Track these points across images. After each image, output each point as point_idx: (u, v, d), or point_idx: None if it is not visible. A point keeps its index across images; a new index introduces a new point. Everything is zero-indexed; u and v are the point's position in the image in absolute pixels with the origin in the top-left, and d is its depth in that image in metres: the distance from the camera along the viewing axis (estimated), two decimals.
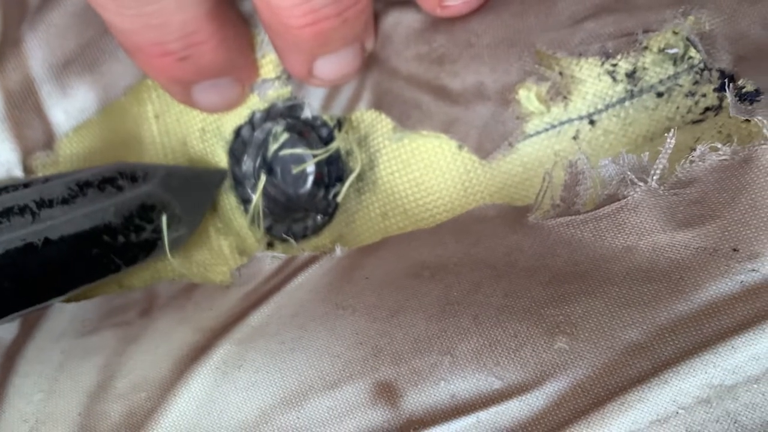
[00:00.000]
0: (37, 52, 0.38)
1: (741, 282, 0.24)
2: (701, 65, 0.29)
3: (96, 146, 0.39)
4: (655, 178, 0.26)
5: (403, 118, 0.33)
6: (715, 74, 0.28)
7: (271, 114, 0.36)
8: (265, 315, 0.30)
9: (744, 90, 0.26)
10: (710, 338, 0.23)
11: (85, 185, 0.34)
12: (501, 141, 0.31)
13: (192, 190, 0.37)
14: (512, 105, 0.31)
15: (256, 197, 0.36)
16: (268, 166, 0.37)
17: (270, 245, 0.37)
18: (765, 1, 0.27)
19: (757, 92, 0.26)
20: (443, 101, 0.32)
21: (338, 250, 0.32)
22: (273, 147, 0.36)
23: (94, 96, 0.38)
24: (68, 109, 0.38)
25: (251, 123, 0.37)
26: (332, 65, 0.33)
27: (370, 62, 0.34)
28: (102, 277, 0.35)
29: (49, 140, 0.39)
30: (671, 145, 0.26)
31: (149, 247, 0.36)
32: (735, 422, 0.23)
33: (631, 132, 0.30)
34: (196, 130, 0.38)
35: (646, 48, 0.29)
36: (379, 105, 0.34)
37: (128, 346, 0.31)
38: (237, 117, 0.37)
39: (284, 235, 0.36)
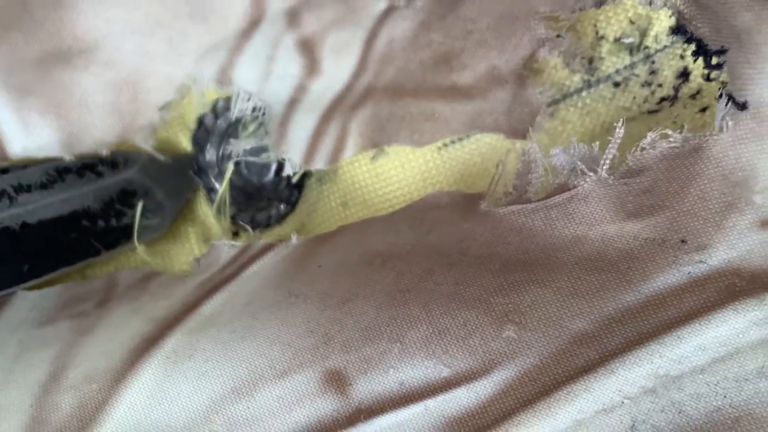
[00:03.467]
0: None
1: (688, 273, 0.24)
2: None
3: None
4: (605, 167, 0.26)
5: (415, 138, 0.32)
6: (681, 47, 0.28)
7: (233, 103, 0.36)
8: (218, 303, 0.30)
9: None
10: (656, 329, 0.23)
11: (64, 171, 0.34)
12: (532, 119, 0.30)
13: (173, 176, 0.37)
14: (530, 80, 0.31)
15: (222, 187, 0.36)
16: (231, 155, 0.36)
17: (235, 234, 0.37)
18: None
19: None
20: (458, 101, 0.32)
21: (294, 239, 0.32)
22: (243, 134, 0.36)
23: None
24: (28, 147, 0.36)
25: (214, 111, 0.36)
26: None
27: (359, 101, 0.33)
28: (82, 260, 0.35)
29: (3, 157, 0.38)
30: (620, 135, 0.26)
31: (130, 232, 0.35)
32: (680, 412, 0.23)
33: (589, 122, 0.30)
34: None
35: (602, 37, 0.29)
36: (376, 140, 0.33)
37: (82, 337, 0.31)
38: (200, 106, 0.37)
39: (244, 224, 0.36)
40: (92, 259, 0.35)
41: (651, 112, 0.29)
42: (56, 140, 0.35)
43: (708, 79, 0.27)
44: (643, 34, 0.29)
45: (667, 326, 0.23)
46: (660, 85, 0.29)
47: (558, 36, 0.30)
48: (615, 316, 0.24)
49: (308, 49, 0.33)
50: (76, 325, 0.32)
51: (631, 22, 0.29)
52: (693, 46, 0.27)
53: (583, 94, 0.30)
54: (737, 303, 0.23)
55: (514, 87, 0.30)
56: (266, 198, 0.36)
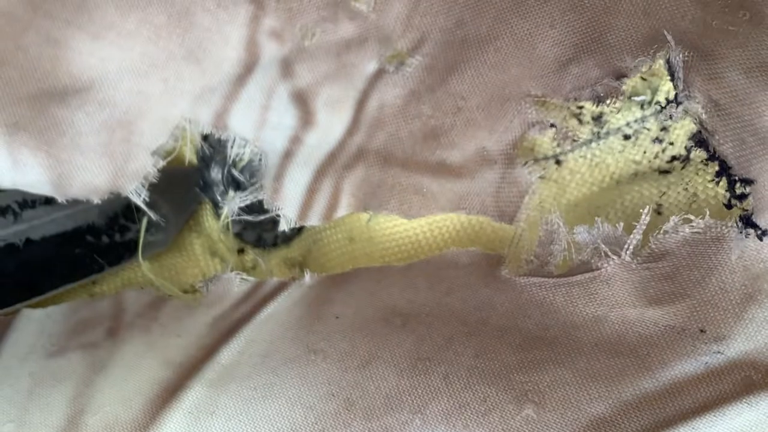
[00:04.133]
0: None
1: (705, 363, 0.24)
2: (671, 105, 0.29)
3: None
4: (628, 252, 0.26)
5: (405, 209, 0.32)
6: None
7: None
8: (236, 352, 0.30)
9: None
10: (672, 418, 0.24)
11: None
12: (520, 200, 0.31)
13: (179, 190, 0.36)
14: (519, 159, 0.30)
15: (224, 212, 0.36)
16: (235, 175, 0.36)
17: (241, 251, 0.37)
18: (748, 46, 0.27)
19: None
20: (446, 179, 0.31)
21: (307, 277, 0.32)
22: (240, 165, 0.35)
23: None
24: (17, 182, 0.34)
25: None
26: None
27: (351, 161, 0.33)
28: (86, 277, 0.35)
29: None
30: (646, 221, 0.26)
31: (134, 247, 0.35)
32: None
33: (597, 173, 0.30)
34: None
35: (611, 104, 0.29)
36: (367, 203, 0.33)
37: (96, 375, 0.31)
38: (194, 149, 0.36)
39: (245, 242, 0.36)
40: (96, 275, 0.35)
41: (662, 171, 0.29)
42: (46, 180, 0.33)
43: (729, 206, 0.27)
44: (655, 91, 0.29)
45: (682, 416, 0.24)
46: (671, 143, 0.29)
47: (552, 126, 0.30)
48: (632, 402, 0.25)
49: (302, 101, 0.33)
50: (88, 357, 0.32)
51: (643, 80, 0.29)
52: (715, 165, 0.27)
53: (593, 145, 0.30)
54: (752, 396, 0.24)
55: (502, 168, 0.31)
56: (273, 218, 0.36)
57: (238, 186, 0.36)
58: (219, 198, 0.37)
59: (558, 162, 0.30)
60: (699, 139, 0.28)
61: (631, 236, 0.26)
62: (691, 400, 0.24)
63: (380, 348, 0.28)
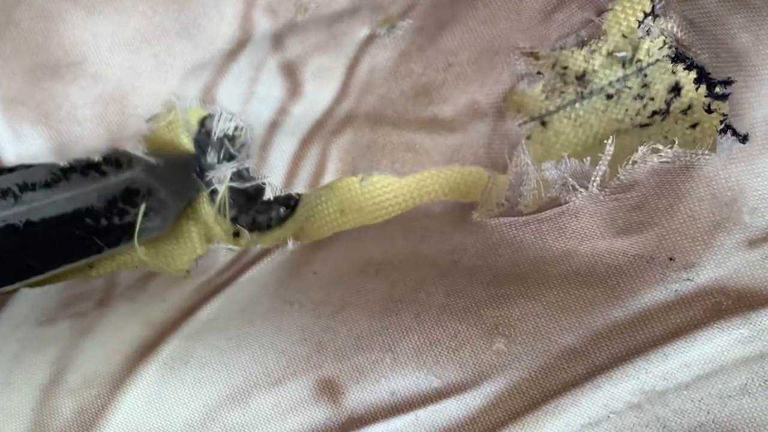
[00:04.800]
0: None
1: (675, 291, 0.24)
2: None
3: None
4: (595, 183, 0.26)
5: (397, 167, 0.32)
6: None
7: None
8: (215, 309, 0.30)
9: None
10: (643, 345, 0.24)
11: (68, 170, 0.35)
12: (511, 151, 0.31)
13: (177, 176, 0.37)
14: (510, 113, 0.31)
15: (221, 191, 0.36)
16: (232, 157, 0.37)
17: (236, 235, 0.37)
18: None
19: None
20: (438, 133, 0.32)
21: (290, 244, 0.32)
22: (237, 141, 0.36)
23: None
24: (21, 154, 0.36)
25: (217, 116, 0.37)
26: None
27: (339, 127, 0.33)
28: (84, 258, 0.35)
29: None
30: (611, 151, 0.26)
31: (132, 230, 0.36)
32: (664, 427, 0.23)
33: (581, 133, 0.30)
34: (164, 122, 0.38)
35: (594, 51, 0.29)
36: (357, 166, 0.33)
37: (81, 338, 0.31)
38: (183, 123, 0.37)
39: (242, 227, 0.36)
40: (95, 256, 0.36)
41: (643, 125, 0.29)
42: (48, 149, 0.35)
43: (709, 110, 0.27)
44: (636, 48, 0.29)
45: (653, 343, 0.24)
46: (652, 99, 0.29)
47: (538, 73, 0.30)
48: (603, 332, 0.24)
49: (291, 73, 0.33)
50: (75, 324, 0.32)
51: (624, 36, 0.29)
52: (694, 73, 0.27)
53: (576, 105, 0.30)
54: (723, 321, 0.23)
55: (493, 120, 0.31)
56: (266, 201, 0.36)
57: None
58: (215, 183, 0.37)
59: (543, 123, 0.30)
60: (676, 54, 0.28)
61: (597, 166, 0.26)
62: (661, 327, 0.24)
63: (353, 295, 0.28)
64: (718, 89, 0.26)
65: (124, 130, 0.35)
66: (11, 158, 0.35)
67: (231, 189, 0.37)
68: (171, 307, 0.31)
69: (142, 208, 0.36)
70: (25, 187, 0.34)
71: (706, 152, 0.25)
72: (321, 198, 0.35)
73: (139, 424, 0.28)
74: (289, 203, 0.36)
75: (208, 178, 0.37)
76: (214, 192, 0.37)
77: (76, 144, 0.35)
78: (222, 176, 0.36)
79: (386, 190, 0.33)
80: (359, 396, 0.26)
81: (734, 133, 0.24)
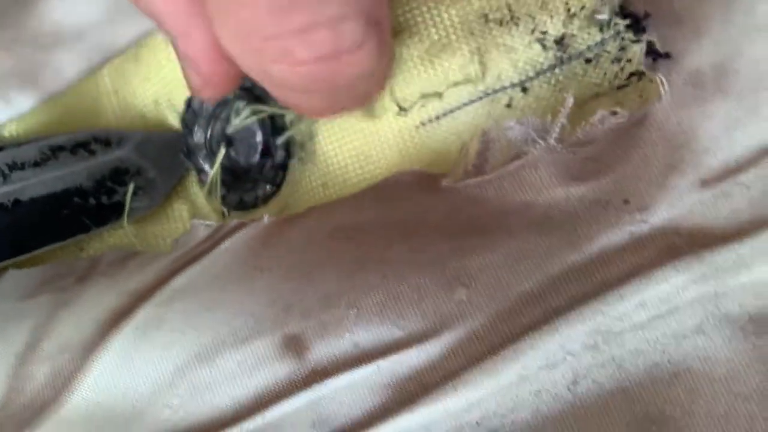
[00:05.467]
0: None
1: (630, 232, 0.24)
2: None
3: (53, 122, 0.39)
4: (554, 136, 0.27)
5: None
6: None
7: None
8: (189, 277, 0.31)
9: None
10: (599, 287, 0.24)
11: (57, 149, 0.35)
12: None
13: (167, 154, 0.38)
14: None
15: (213, 169, 0.37)
16: (221, 137, 0.37)
17: (223, 215, 0.37)
18: None
19: (667, 54, 0.27)
20: None
21: (265, 218, 0.32)
22: (235, 121, 0.37)
23: (37, 103, 0.39)
24: (11, 115, 0.39)
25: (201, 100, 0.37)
26: None
27: None
28: (71, 237, 0.36)
29: None
30: (570, 104, 0.27)
31: (121, 209, 0.37)
32: (619, 367, 0.23)
33: (561, 99, 0.30)
34: (150, 102, 0.38)
35: (574, 15, 0.30)
36: None
37: (59, 310, 0.32)
38: (165, 51, 0.38)
39: (229, 206, 0.37)
40: (82, 234, 0.36)
41: (620, 87, 0.30)
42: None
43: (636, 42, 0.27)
44: (613, 11, 0.30)
45: (609, 284, 0.24)
46: (629, 61, 0.29)
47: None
48: (560, 277, 0.24)
49: None
50: (54, 299, 0.33)
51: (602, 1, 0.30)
52: (628, 21, 0.28)
53: (556, 71, 0.30)
54: (677, 261, 0.23)
55: None
56: (253, 179, 0.37)
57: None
58: (203, 162, 0.38)
59: (524, 90, 0.31)
60: (623, 14, 0.28)
61: (556, 120, 0.27)
62: (617, 269, 0.24)
63: (323, 258, 0.29)
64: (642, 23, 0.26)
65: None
66: (1, 119, 0.36)
67: (221, 169, 0.37)
68: (146, 278, 0.32)
69: (131, 187, 0.36)
70: (14, 167, 0.34)
71: (657, 100, 0.26)
72: (305, 173, 0.35)
73: (110, 385, 0.29)
74: (275, 181, 0.36)
75: (203, 174, 0.37)
76: (202, 172, 0.38)
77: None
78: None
79: (370, 160, 0.33)
80: (323, 350, 0.26)
81: (655, 53, 0.25)
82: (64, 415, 0.29)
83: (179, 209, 0.38)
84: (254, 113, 0.35)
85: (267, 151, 0.36)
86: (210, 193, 0.37)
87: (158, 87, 0.38)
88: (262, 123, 0.36)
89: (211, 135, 0.37)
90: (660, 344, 0.23)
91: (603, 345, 0.23)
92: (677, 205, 0.24)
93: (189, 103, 0.38)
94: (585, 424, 0.23)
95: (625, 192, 0.25)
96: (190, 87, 0.32)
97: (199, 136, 0.37)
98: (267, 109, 0.35)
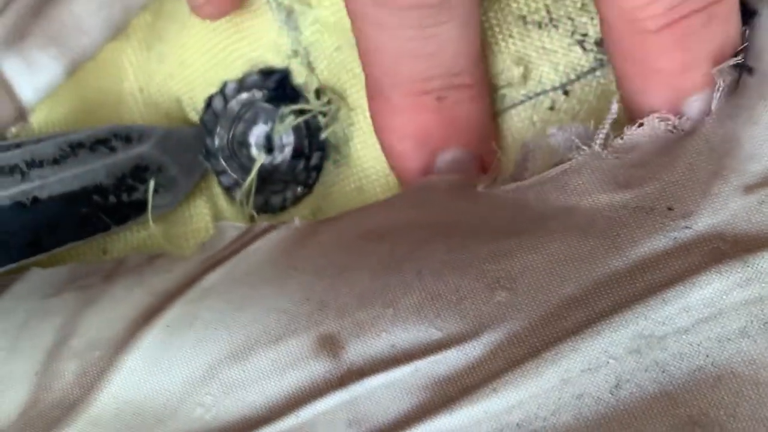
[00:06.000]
0: None
1: (674, 238, 0.24)
2: None
3: (77, 113, 0.39)
4: (598, 142, 0.27)
5: None
6: None
7: (245, 85, 0.37)
8: (219, 276, 0.31)
9: None
10: (643, 292, 0.24)
11: (77, 146, 0.35)
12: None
13: (190, 150, 0.37)
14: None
15: (249, 179, 0.36)
16: (244, 139, 0.37)
17: (251, 218, 0.37)
18: None
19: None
20: None
21: (296, 221, 0.32)
22: (279, 127, 0.36)
23: (63, 70, 0.38)
24: (38, 86, 0.39)
25: (223, 94, 0.37)
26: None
27: None
28: (91, 236, 0.36)
29: (21, 114, 0.39)
30: (615, 111, 0.27)
31: (141, 208, 0.36)
32: (663, 371, 0.23)
33: (604, 102, 0.31)
34: (174, 100, 0.39)
35: None
36: None
37: (86, 307, 0.32)
38: (208, 85, 0.38)
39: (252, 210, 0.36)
40: (101, 234, 0.36)
41: None
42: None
43: None
44: None
45: (652, 289, 0.24)
46: None
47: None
48: (603, 281, 0.24)
49: None
50: (81, 295, 0.33)
51: None
52: None
53: (597, 73, 0.30)
54: (721, 265, 0.23)
55: None
56: (282, 181, 0.37)
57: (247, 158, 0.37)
58: (224, 164, 0.37)
59: (566, 92, 0.31)
60: None
61: (601, 126, 0.27)
62: (661, 273, 0.24)
63: (356, 258, 0.29)
64: None
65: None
66: (29, 95, 0.37)
67: (240, 170, 0.37)
68: (176, 276, 0.32)
69: (151, 185, 0.36)
70: (32, 164, 0.34)
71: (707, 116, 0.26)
72: (340, 176, 0.35)
73: (140, 382, 0.28)
74: (307, 182, 0.36)
75: (221, 176, 0.37)
76: (222, 174, 0.37)
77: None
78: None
79: None
80: (359, 349, 0.26)
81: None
82: (94, 413, 0.28)
83: (201, 212, 0.38)
84: (300, 114, 0.35)
85: (299, 153, 0.36)
86: (242, 203, 0.37)
87: (181, 85, 0.38)
88: (296, 125, 0.36)
89: (233, 136, 0.37)
90: (703, 348, 0.23)
91: (646, 349, 0.23)
92: (721, 211, 0.24)
93: (209, 103, 0.38)
94: (628, 427, 0.23)
95: (669, 199, 0.25)
96: (190, 4, 0.35)
97: (220, 137, 0.37)
98: (311, 108, 0.35)
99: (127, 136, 0.36)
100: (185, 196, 0.38)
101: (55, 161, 0.34)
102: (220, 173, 0.38)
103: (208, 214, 0.38)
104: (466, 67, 0.30)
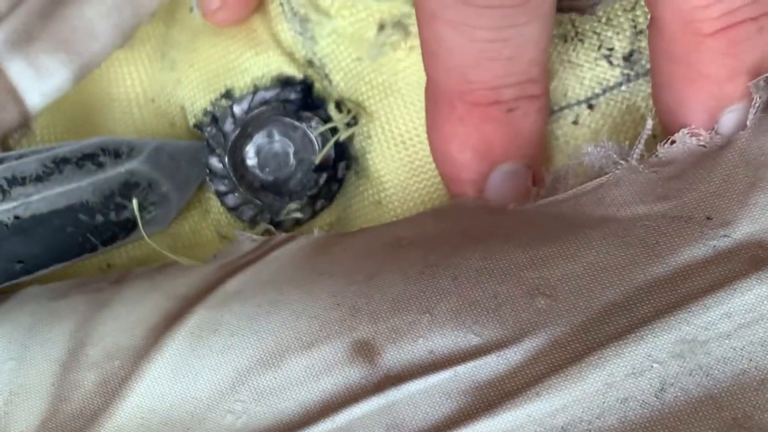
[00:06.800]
0: None
1: (714, 246, 0.25)
2: None
3: (79, 121, 0.39)
4: (635, 157, 0.27)
5: None
6: None
7: (258, 97, 0.36)
8: (241, 282, 0.30)
9: None
10: (684, 298, 0.24)
11: (62, 162, 0.33)
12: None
13: (183, 165, 0.36)
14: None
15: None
16: (248, 156, 0.37)
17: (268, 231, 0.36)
18: None
19: None
20: None
21: (316, 232, 0.32)
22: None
23: (71, 75, 0.37)
24: (45, 91, 0.38)
25: (232, 115, 0.36)
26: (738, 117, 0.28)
27: None
28: (76, 257, 0.34)
29: (26, 120, 0.38)
30: (650, 127, 0.28)
31: (130, 227, 0.34)
32: (707, 375, 0.23)
33: (628, 117, 0.31)
34: (179, 108, 0.38)
35: (641, 32, 0.30)
36: None
37: (98, 311, 0.31)
38: (213, 91, 0.37)
39: (269, 225, 0.36)
40: (88, 255, 0.34)
41: None
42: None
43: None
44: None
45: (694, 295, 0.24)
46: None
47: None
48: (644, 287, 0.25)
49: None
50: (91, 298, 0.32)
51: None
52: None
53: (623, 88, 0.31)
54: (761, 272, 0.24)
55: None
56: (306, 195, 0.36)
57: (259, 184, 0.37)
58: (228, 184, 0.37)
59: (591, 107, 0.31)
60: None
61: (637, 140, 0.27)
62: (701, 280, 0.24)
63: (386, 263, 0.29)
64: None
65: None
66: (36, 101, 0.36)
67: (252, 191, 0.36)
68: (193, 281, 0.31)
69: (136, 203, 0.34)
70: (13, 181, 0.32)
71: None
72: (359, 188, 0.35)
73: (166, 391, 0.28)
74: (329, 195, 0.36)
75: (223, 196, 0.37)
76: (224, 195, 0.37)
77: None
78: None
79: (426, 176, 0.33)
80: (396, 355, 0.26)
81: None
82: (117, 423, 0.28)
83: (201, 227, 0.38)
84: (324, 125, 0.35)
85: (326, 165, 0.36)
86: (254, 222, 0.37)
87: (187, 90, 0.38)
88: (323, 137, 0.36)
89: (242, 158, 0.37)
90: (746, 352, 0.24)
91: (689, 354, 0.24)
92: (759, 220, 0.25)
93: (215, 119, 0.37)
94: (673, 430, 0.23)
95: (707, 209, 0.25)
96: (203, 10, 0.35)
97: (225, 158, 0.37)
98: (338, 126, 0.35)
99: (116, 151, 0.34)
100: (181, 208, 0.36)
101: (39, 178, 0.32)
102: (223, 194, 0.37)
103: (207, 227, 0.38)
104: (538, 75, 0.29)
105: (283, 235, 0.33)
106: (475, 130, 0.29)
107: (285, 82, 0.36)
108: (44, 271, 0.33)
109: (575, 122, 0.31)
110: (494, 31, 0.27)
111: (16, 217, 0.32)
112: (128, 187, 0.34)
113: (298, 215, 0.36)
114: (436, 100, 0.30)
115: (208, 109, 0.37)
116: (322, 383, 0.26)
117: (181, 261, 0.34)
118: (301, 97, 0.36)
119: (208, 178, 0.37)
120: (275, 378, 0.27)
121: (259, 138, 0.37)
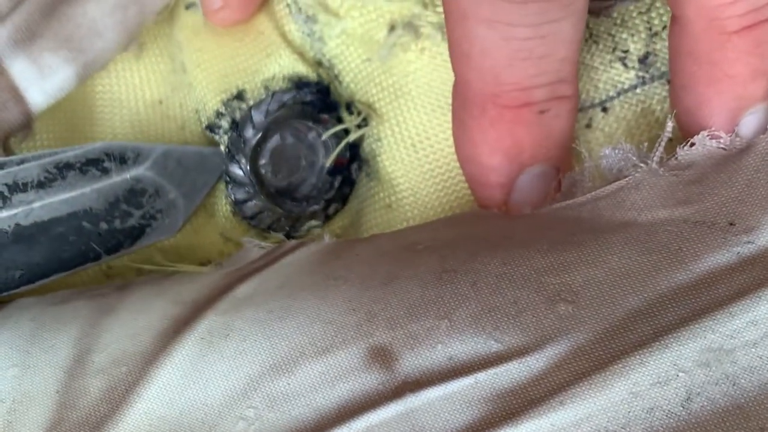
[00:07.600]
0: None
1: (737, 253, 0.25)
2: None
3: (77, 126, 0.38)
4: (655, 160, 0.27)
5: None
6: None
7: (276, 99, 0.36)
8: (251, 287, 0.30)
9: None
10: (709, 305, 0.24)
11: (65, 168, 0.32)
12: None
13: (191, 171, 0.35)
14: None
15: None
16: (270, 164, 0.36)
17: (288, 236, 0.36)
18: None
19: None
20: None
21: (326, 238, 0.31)
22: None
23: (74, 74, 0.36)
24: (47, 90, 0.37)
25: (251, 122, 0.35)
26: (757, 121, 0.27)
27: None
28: (79, 266, 0.33)
29: (28, 120, 0.38)
30: (670, 129, 0.27)
31: (136, 235, 0.33)
32: (734, 384, 0.23)
33: (643, 120, 0.31)
34: (192, 111, 0.37)
35: (656, 34, 0.30)
36: None
37: (104, 317, 0.30)
38: (223, 92, 0.36)
39: (282, 235, 0.35)
40: (91, 264, 0.33)
41: None
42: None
43: None
44: None
45: (718, 303, 0.24)
46: None
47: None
48: (668, 294, 0.24)
49: None
50: (95, 304, 0.31)
51: None
52: None
53: (638, 90, 0.31)
54: None
55: None
56: (322, 199, 0.36)
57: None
58: (245, 192, 0.36)
59: (605, 110, 0.31)
60: None
61: (657, 143, 0.27)
62: (726, 287, 0.24)
63: (402, 268, 0.28)
64: None
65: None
66: (38, 99, 0.34)
67: (268, 198, 0.36)
68: (201, 287, 0.31)
69: (140, 213, 0.33)
70: (14, 188, 0.31)
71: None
72: (371, 190, 0.35)
73: (175, 397, 0.27)
74: (343, 197, 0.35)
75: (239, 205, 0.36)
76: (240, 203, 0.36)
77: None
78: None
79: (439, 180, 0.33)
80: (414, 361, 0.25)
81: None
82: (124, 430, 0.27)
83: (209, 233, 0.37)
84: (344, 134, 0.35)
85: (341, 167, 0.35)
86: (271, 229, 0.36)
87: (196, 92, 0.37)
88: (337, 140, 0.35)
89: (261, 164, 0.36)
90: None
91: (715, 362, 0.23)
92: None
93: (236, 127, 0.36)
94: None
95: (730, 214, 0.25)
96: (205, 9, 0.35)
97: (243, 165, 0.36)
98: (350, 127, 0.35)
99: (121, 156, 0.33)
100: (189, 215, 0.35)
101: (41, 184, 0.31)
102: (239, 203, 0.36)
103: (215, 232, 0.37)
104: (570, 75, 0.28)
105: (294, 241, 0.32)
106: (508, 133, 0.29)
107: (299, 83, 0.36)
108: (45, 281, 0.32)
109: (588, 125, 0.31)
110: (531, 28, 0.26)
111: (17, 225, 0.31)
112: (134, 194, 0.33)
113: (315, 223, 0.35)
114: (466, 103, 0.29)
115: (220, 110, 0.36)
116: (338, 389, 0.26)
117: (185, 269, 0.34)
118: (319, 99, 0.36)
119: (228, 187, 0.36)
120: (289, 384, 0.26)
121: (273, 142, 0.36)
